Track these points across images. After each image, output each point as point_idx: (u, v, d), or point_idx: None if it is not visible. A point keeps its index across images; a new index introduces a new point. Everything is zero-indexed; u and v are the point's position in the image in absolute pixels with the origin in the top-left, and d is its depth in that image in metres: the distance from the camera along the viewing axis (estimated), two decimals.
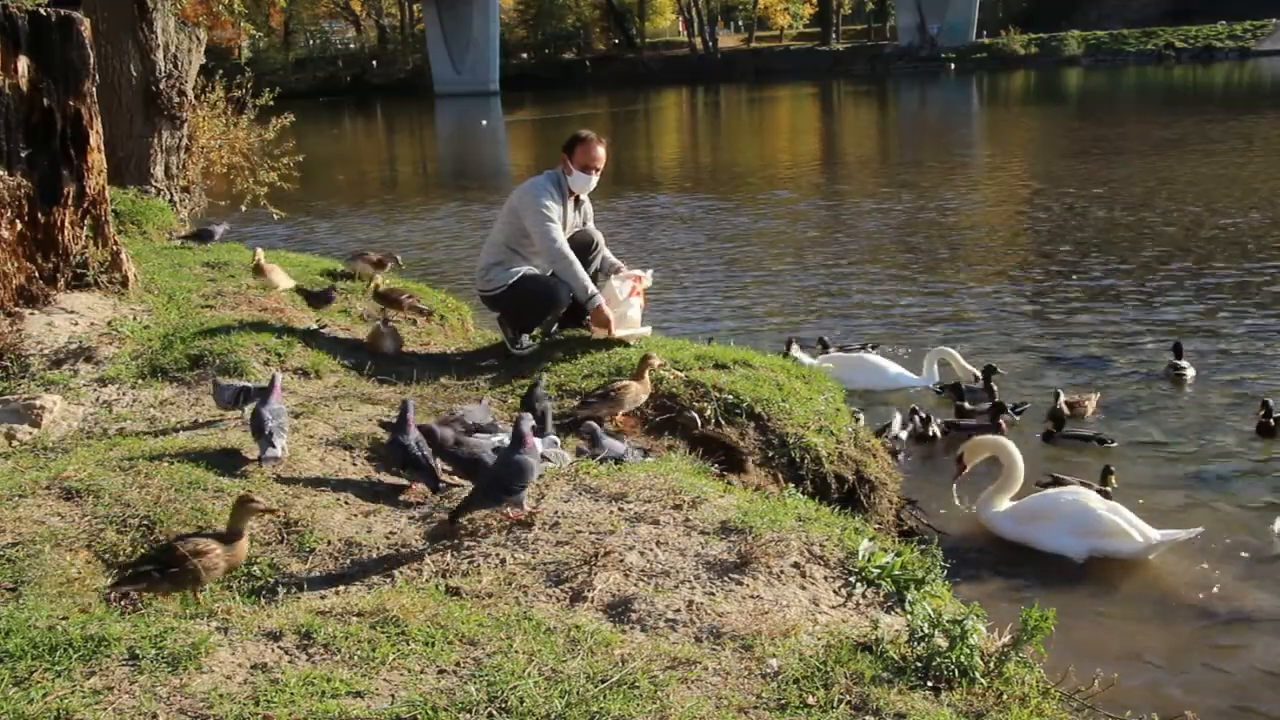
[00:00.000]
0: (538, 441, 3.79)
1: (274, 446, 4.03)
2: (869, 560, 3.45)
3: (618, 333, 5.73)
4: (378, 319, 6.67)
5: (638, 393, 4.90)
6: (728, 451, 4.92)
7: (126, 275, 6.17)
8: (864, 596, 3.33)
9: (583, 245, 6.02)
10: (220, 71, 10.32)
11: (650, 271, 6.02)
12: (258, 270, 6.74)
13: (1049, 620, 2.92)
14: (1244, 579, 5.01)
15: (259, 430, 4.07)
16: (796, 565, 3.40)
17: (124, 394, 4.94)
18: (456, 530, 3.59)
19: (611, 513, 3.77)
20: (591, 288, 5.79)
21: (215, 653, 2.75)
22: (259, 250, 7.05)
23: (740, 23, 73.86)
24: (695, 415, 4.98)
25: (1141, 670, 4.36)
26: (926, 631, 2.91)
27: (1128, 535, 5.15)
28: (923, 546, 3.77)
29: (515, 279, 5.84)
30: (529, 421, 3.70)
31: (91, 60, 5.68)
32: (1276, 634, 4.56)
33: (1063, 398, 7.03)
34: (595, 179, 5.93)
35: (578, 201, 5.99)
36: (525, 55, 68.49)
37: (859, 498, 5.06)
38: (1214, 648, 4.52)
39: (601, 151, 5.88)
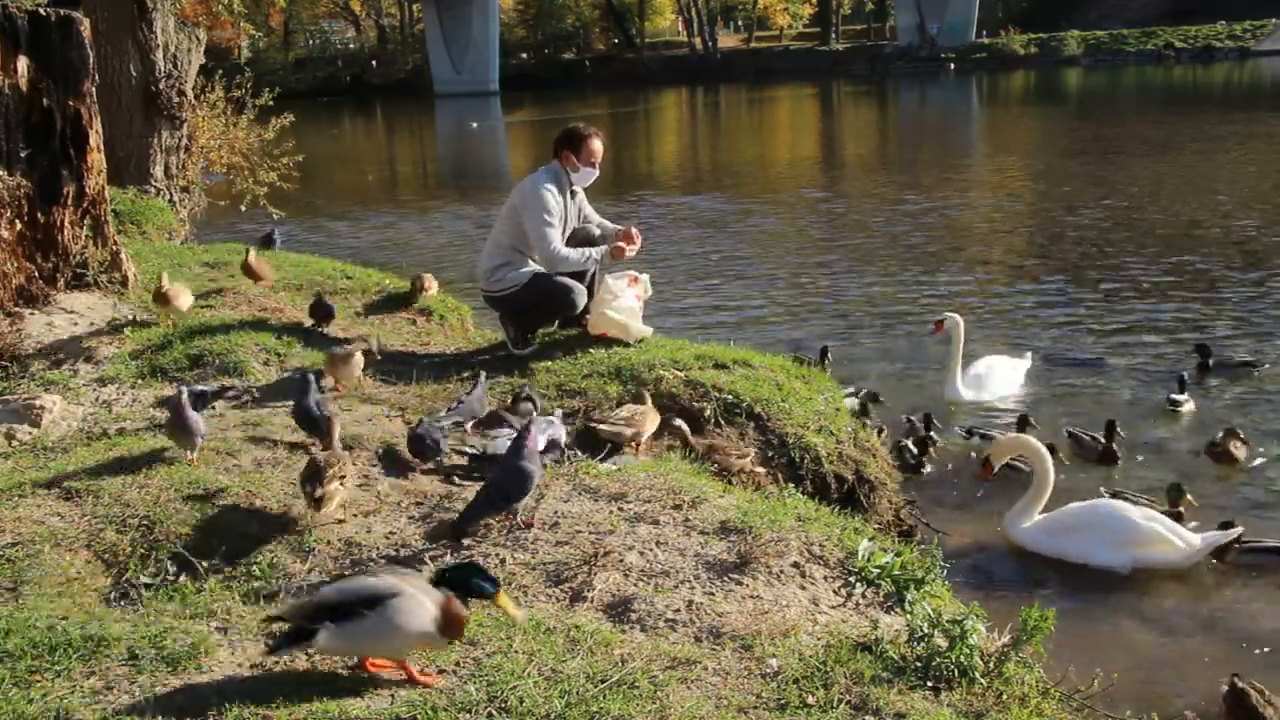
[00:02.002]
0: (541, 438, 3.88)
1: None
2: (869, 560, 3.45)
3: (616, 317, 5.71)
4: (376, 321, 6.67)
5: (654, 421, 4.80)
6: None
7: (126, 275, 6.17)
8: (864, 596, 3.33)
9: (583, 241, 6.01)
10: (220, 71, 10.31)
11: (646, 278, 6.00)
12: (161, 297, 5.61)
13: (1049, 620, 2.92)
14: (1247, 582, 5.01)
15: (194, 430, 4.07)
16: (796, 565, 3.40)
17: (124, 394, 4.94)
18: (461, 539, 3.58)
19: (611, 513, 3.77)
20: (597, 249, 5.85)
21: (215, 653, 2.75)
22: (164, 275, 5.80)
23: (740, 23, 73.79)
24: (682, 425, 4.88)
25: (1141, 671, 4.36)
26: (926, 631, 2.91)
27: (1171, 544, 4.95)
28: (922, 546, 3.77)
29: (529, 278, 5.82)
30: (538, 427, 3.71)
31: (91, 60, 5.68)
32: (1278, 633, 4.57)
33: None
34: (597, 172, 5.95)
35: (573, 193, 5.98)
36: (525, 55, 68.42)
37: (859, 498, 5.06)
38: (1216, 648, 4.52)
39: (600, 145, 5.90)
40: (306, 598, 2.66)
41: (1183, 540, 4.98)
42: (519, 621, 2.80)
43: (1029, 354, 8.00)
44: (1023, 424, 6.67)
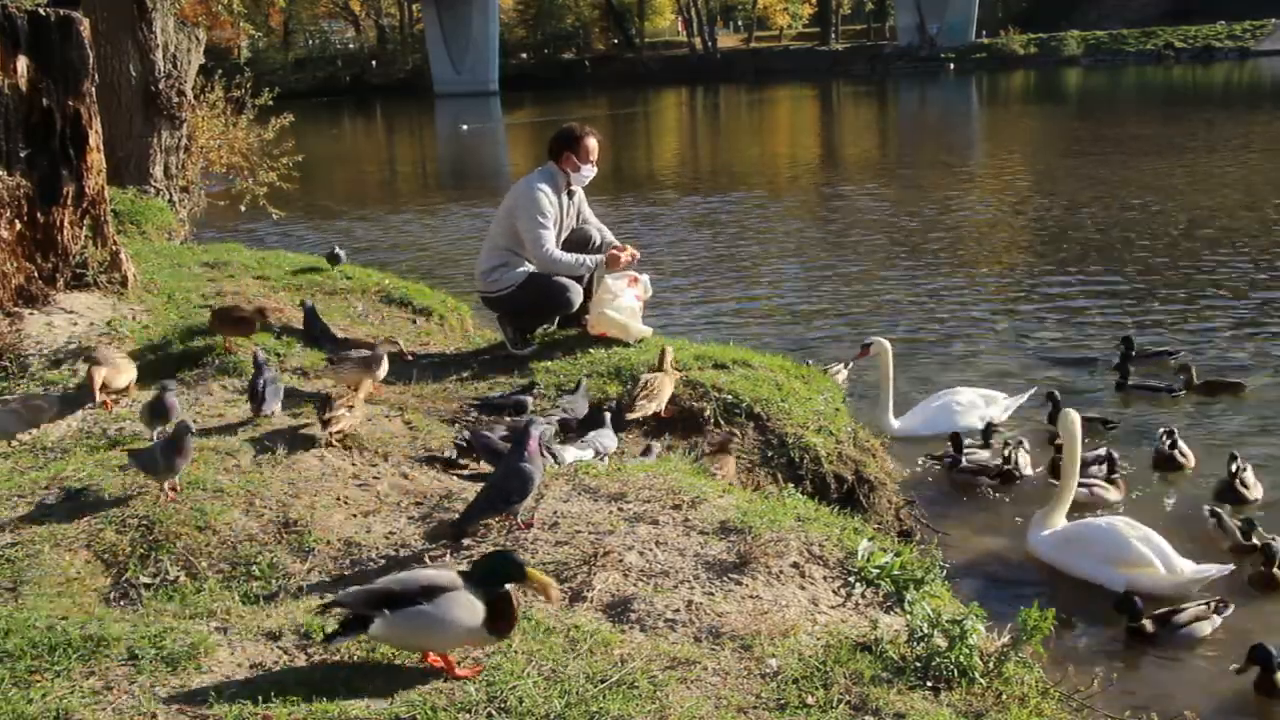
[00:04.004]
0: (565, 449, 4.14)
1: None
2: (868, 560, 3.45)
3: (615, 317, 5.71)
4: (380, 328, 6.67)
5: (668, 382, 5.00)
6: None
7: (126, 275, 6.17)
8: (863, 596, 3.33)
9: (580, 243, 6.01)
10: (220, 71, 10.30)
11: (646, 278, 6.00)
12: (100, 385, 4.53)
13: (1048, 620, 2.92)
14: (1247, 587, 5.01)
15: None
16: (796, 565, 3.40)
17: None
18: (461, 539, 3.59)
19: (611, 513, 3.76)
20: (592, 257, 5.84)
21: (215, 653, 2.75)
22: (94, 369, 4.58)
23: (739, 23, 73.73)
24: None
25: (1141, 670, 4.36)
26: (926, 631, 2.91)
27: (1155, 569, 4.86)
28: (922, 546, 3.77)
29: (524, 279, 5.83)
30: (538, 429, 3.71)
31: (91, 60, 5.67)
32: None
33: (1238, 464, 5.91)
34: (596, 169, 5.96)
35: (571, 193, 5.98)
36: (525, 55, 68.37)
37: (858, 498, 5.06)
38: (1215, 650, 4.53)
39: (596, 141, 5.91)
40: (367, 586, 2.71)
41: (1169, 568, 4.89)
42: (555, 593, 2.84)
43: (1029, 391, 7.24)
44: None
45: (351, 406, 4.33)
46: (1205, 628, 4.60)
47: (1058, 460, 5.90)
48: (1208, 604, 4.67)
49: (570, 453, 4.41)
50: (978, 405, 6.93)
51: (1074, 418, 5.33)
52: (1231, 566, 4.94)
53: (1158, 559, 4.90)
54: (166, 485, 3.75)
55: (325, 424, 4.23)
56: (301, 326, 5.86)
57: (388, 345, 4.97)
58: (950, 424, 6.72)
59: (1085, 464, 5.87)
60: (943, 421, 6.80)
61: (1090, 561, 5.05)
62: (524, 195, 5.76)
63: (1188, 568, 4.92)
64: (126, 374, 4.71)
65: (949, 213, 15.48)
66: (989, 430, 6.71)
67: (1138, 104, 34.41)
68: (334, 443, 4.28)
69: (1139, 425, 7.00)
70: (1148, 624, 4.57)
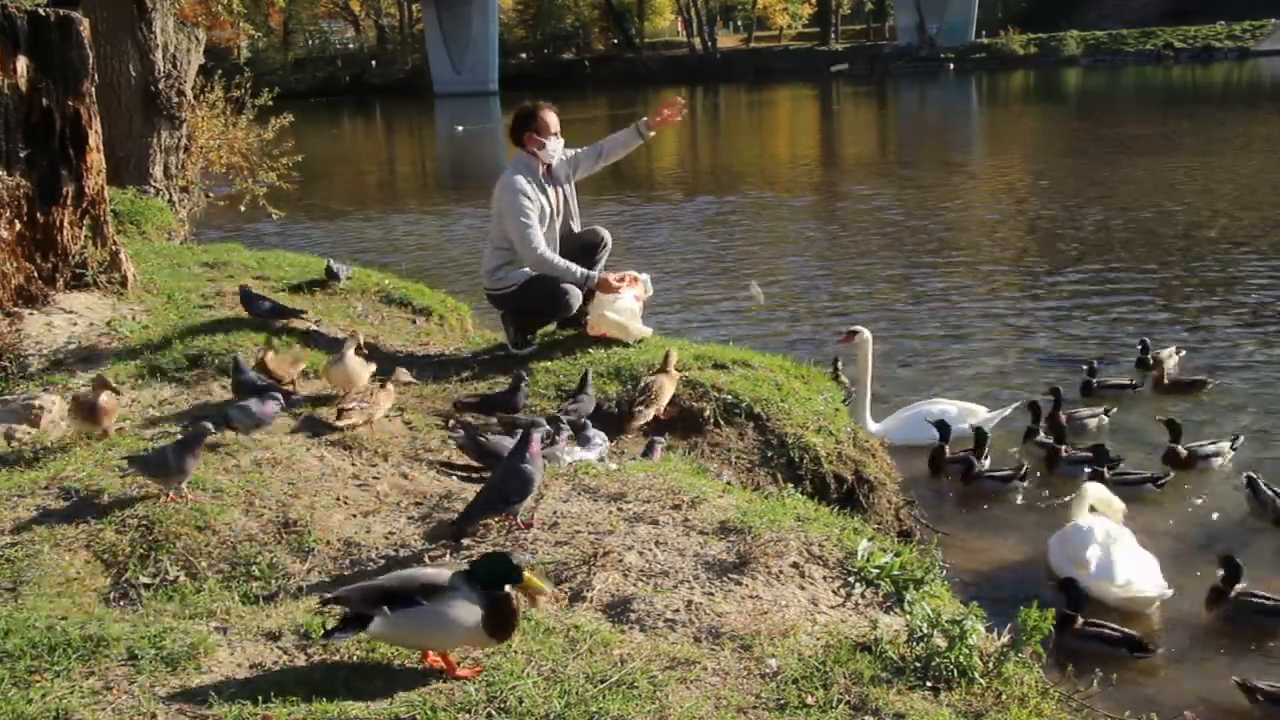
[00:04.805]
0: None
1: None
2: (868, 560, 3.45)
3: (615, 318, 5.70)
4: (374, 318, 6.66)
5: (668, 385, 5.03)
6: None
7: (126, 275, 6.17)
8: (863, 596, 3.33)
9: (589, 246, 6.00)
10: (219, 71, 10.29)
11: (647, 278, 5.98)
12: (89, 412, 4.25)
13: (1048, 620, 2.92)
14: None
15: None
16: (795, 565, 3.40)
17: (123, 394, 4.94)
18: (461, 539, 3.59)
19: (610, 513, 3.76)
20: (586, 271, 5.76)
21: (214, 653, 2.75)
22: (103, 388, 4.36)
23: (739, 23, 73.72)
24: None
25: (1141, 671, 4.37)
26: (925, 631, 2.91)
27: (1085, 572, 4.77)
28: (922, 546, 3.77)
29: (526, 279, 5.82)
30: (539, 430, 3.71)
31: (91, 60, 5.68)
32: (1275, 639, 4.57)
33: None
34: (562, 140, 5.89)
35: (549, 170, 5.92)
36: (524, 55, 68.35)
37: (858, 498, 5.06)
38: (1213, 650, 4.53)
39: (554, 115, 5.86)
40: (366, 583, 2.71)
41: (1101, 575, 4.75)
42: (545, 601, 2.87)
43: (1012, 405, 7.02)
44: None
45: (368, 404, 4.54)
46: (1108, 651, 4.40)
47: (1055, 456, 6.36)
48: (1126, 636, 4.46)
49: (570, 455, 4.42)
50: (949, 417, 6.75)
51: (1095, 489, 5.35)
52: (1170, 591, 4.74)
53: (1093, 563, 4.78)
54: (172, 489, 3.73)
55: (340, 414, 4.48)
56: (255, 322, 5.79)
57: (352, 340, 4.91)
58: (921, 435, 6.65)
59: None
60: (914, 431, 6.76)
61: (1059, 560, 5.05)
62: (504, 199, 5.72)
63: (1118, 582, 4.74)
64: (116, 414, 4.41)
65: (949, 212, 15.48)
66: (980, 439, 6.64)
67: (1137, 104, 34.41)
68: (346, 425, 4.49)
69: (1115, 425, 7.06)
70: (1079, 620, 4.51)
